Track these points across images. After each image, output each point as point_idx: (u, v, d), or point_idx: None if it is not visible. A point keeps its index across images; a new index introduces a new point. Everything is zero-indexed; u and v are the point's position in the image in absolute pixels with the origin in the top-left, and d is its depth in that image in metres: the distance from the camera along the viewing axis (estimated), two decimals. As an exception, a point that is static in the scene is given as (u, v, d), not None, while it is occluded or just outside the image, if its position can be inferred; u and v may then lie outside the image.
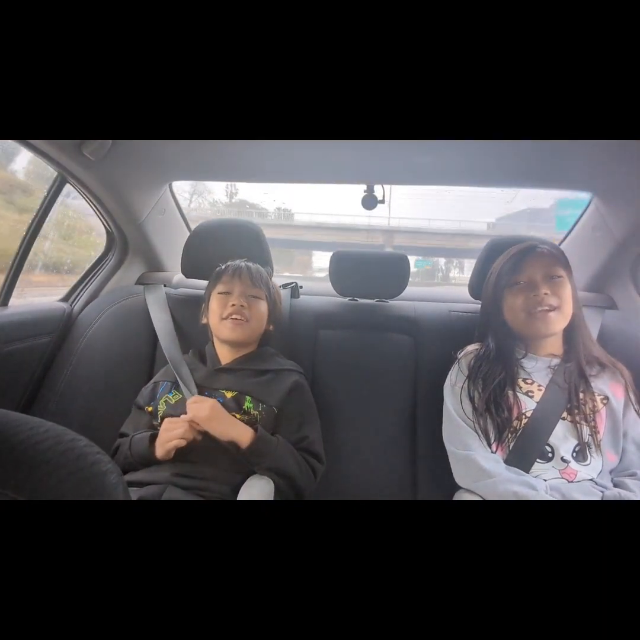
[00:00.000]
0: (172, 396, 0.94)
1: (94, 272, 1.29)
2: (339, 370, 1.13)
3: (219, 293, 0.98)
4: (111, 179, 1.12)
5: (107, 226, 1.27)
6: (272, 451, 0.84)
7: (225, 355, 0.99)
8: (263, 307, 0.99)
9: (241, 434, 0.83)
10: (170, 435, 0.83)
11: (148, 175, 1.20)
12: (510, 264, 0.92)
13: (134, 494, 0.77)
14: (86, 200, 1.18)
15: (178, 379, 0.95)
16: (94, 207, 1.21)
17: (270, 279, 1.05)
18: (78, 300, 1.23)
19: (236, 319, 0.94)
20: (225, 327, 0.95)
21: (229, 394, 0.91)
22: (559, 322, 0.88)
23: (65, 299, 1.23)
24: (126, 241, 1.31)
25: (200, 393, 0.91)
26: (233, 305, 0.95)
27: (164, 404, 0.93)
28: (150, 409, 0.94)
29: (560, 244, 1.32)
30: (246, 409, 0.89)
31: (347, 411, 1.10)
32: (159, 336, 1.09)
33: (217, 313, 0.96)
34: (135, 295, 1.20)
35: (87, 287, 1.26)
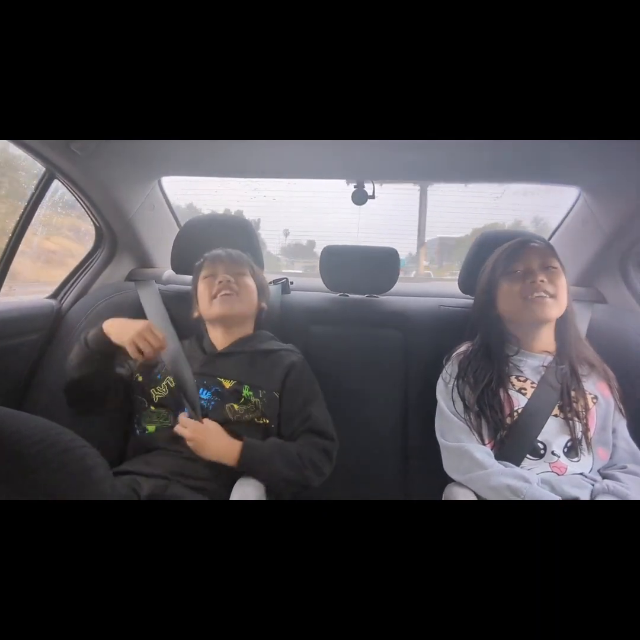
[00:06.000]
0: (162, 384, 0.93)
1: (82, 268, 1.28)
2: (330, 366, 1.13)
3: (204, 277, 0.98)
4: (100, 174, 1.11)
5: (96, 222, 1.26)
6: (266, 462, 0.81)
7: (220, 340, 0.98)
8: (249, 281, 0.99)
9: (227, 452, 0.81)
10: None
11: (137, 170, 1.19)
12: (506, 254, 0.93)
13: (143, 483, 0.76)
14: (74, 196, 1.17)
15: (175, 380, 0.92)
16: (82, 203, 1.20)
17: (258, 271, 1.05)
18: (67, 297, 1.22)
19: (226, 293, 0.94)
20: (216, 305, 0.95)
21: (227, 384, 0.89)
22: (554, 309, 0.88)
23: (53, 295, 1.22)
24: (115, 237, 1.30)
25: (199, 381, 0.90)
26: (220, 282, 0.95)
27: (165, 387, 0.92)
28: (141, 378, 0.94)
29: (549, 239, 1.32)
30: (246, 397, 0.88)
31: (338, 406, 1.10)
32: None
33: (206, 295, 0.96)
34: (124, 292, 1.19)
35: (76, 283, 1.25)
